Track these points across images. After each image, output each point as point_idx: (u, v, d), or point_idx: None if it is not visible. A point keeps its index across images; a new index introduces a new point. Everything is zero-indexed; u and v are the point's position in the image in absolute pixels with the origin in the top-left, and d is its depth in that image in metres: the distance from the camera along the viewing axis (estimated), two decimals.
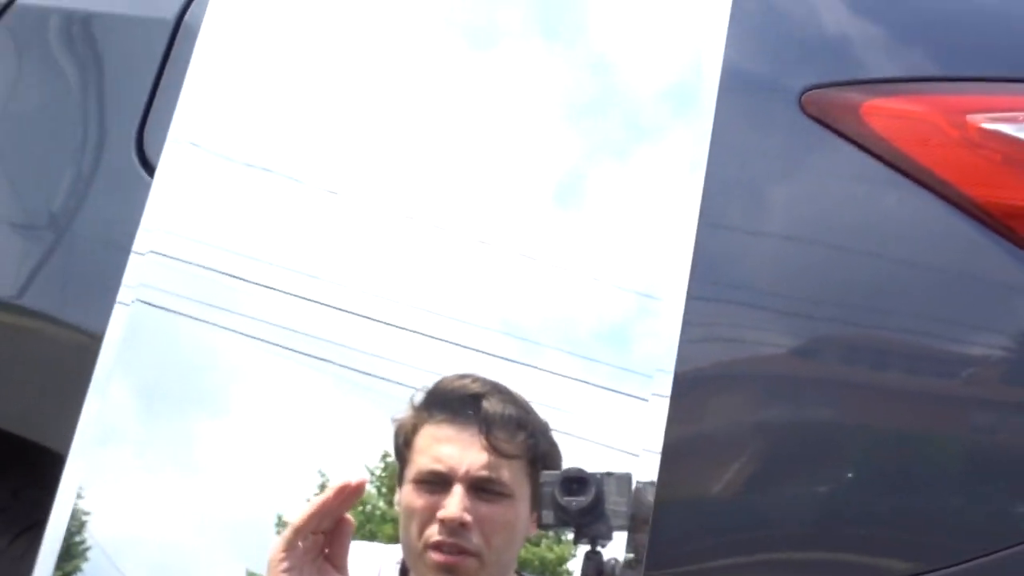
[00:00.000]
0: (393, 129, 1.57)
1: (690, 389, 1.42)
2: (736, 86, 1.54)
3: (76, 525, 1.45)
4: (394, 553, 1.45)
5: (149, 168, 1.66)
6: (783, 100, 1.54)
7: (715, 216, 1.49)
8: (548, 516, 1.33)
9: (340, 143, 1.56)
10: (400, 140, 1.56)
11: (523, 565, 1.41)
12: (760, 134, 1.56)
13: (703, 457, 1.44)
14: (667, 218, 1.48)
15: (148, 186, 1.57)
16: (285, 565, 1.35)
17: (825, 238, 1.52)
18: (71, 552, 1.44)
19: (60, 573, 1.44)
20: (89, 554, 1.44)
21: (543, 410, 1.41)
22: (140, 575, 1.45)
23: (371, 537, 1.45)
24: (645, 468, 1.36)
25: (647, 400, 1.39)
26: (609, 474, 1.32)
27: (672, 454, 1.38)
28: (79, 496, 1.45)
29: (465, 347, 1.44)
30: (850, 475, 1.45)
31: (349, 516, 1.37)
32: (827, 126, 1.53)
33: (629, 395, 1.41)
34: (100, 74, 1.85)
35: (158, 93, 1.75)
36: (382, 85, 1.58)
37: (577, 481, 1.32)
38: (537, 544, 1.41)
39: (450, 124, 1.57)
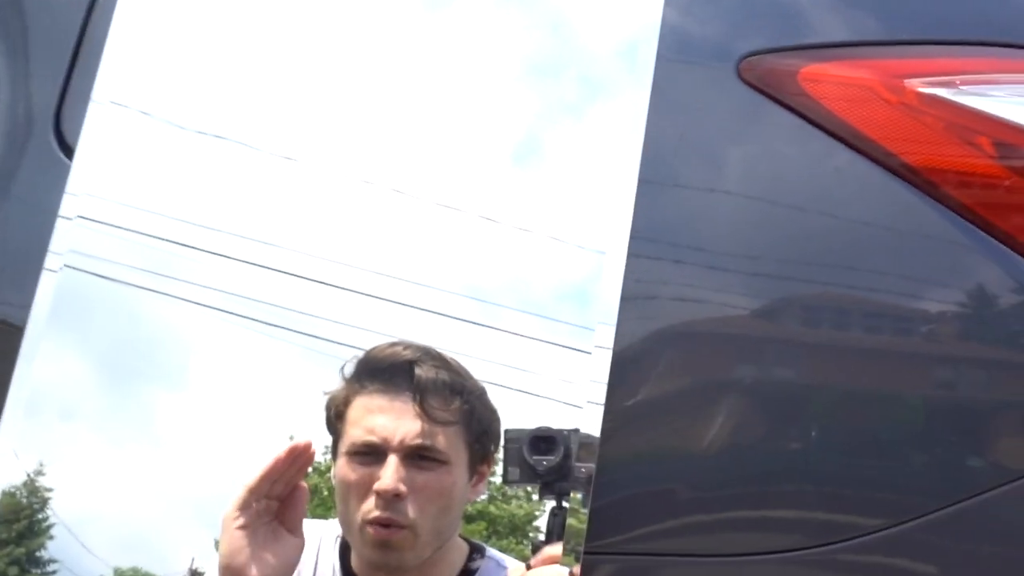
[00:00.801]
0: (336, 87, 1.54)
1: (631, 343, 1.41)
2: (674, 53, 1.54)
3: (39, 503, 1.42)
4: (334, 527, 1.42)
5: (67, 150, 1.61)
6: (721, 67, 1.53)
7: (655, 177, 1.48)
8: (514, 473, 1.33)
9: (278, 101, 1.53)
10: (342, 99, 1.53)
11: (493, 522, 1.40)
12: (699, 102, 1.56)
13: (644, 411, 1.42)
14: (609, 178, 1.46)
15: (67, 169, 1.52)
16: (239, 523, 1.32)
17: (764, 202, 1.52)
18: (34, 530, 1.42)
19: (23, 551, 1.41)
20: (53, 531, 1.41)
21: (488, 367, 1.39)
22: (105, 550, 1.42)
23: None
24: (589, 421, 1.34)
25: (590, 353, 1.36)
26: (576, 431, 1.32)
27: (614, 408, 1.37)
28: (40, 473, 1.41)
29: (411, 306, 1.42)
30: (789, 431, 1.44)
31: (303, 483, 1.35)
32: (765, 93, 1.52)
33: (573, 348, 1.38)
34: (14, 52, 1.80)
35: (75, 72, 1.69)
36: (322, 40, 1.56)
37: (545, 440, 1.32)
38: (508, 502, 1.40)
39: (397, 81, 1.54)
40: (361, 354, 1.37)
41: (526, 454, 1.31)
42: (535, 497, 1.36)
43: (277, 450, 1.34)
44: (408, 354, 1.36)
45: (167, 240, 1.48)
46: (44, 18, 1.77)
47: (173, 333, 1.47)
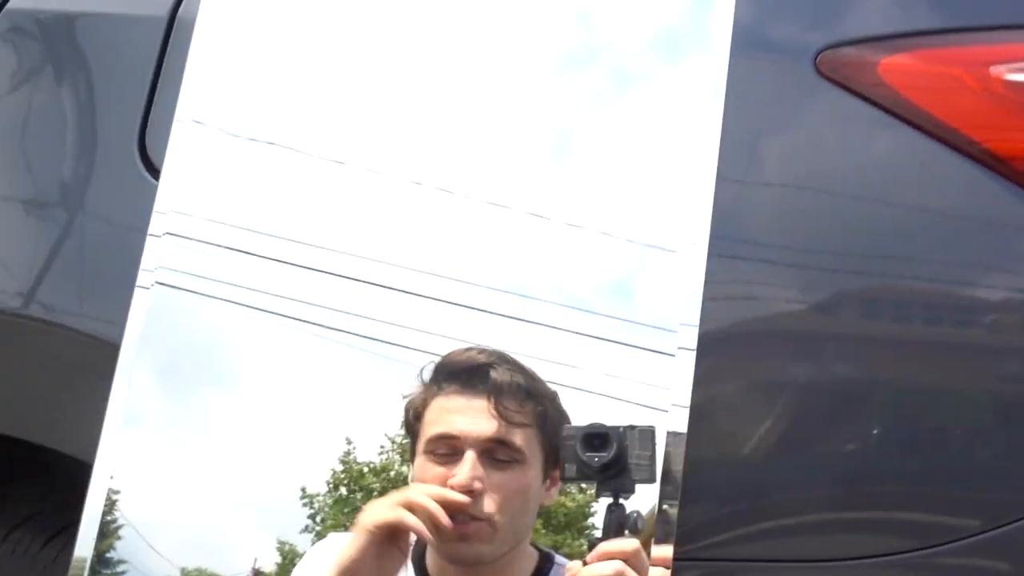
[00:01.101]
0: (393, 98, 1.53)
1: (715, 344, 1.39)
2: (749, 48, 1.50)
3: (108, 505, 1.44)
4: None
5: (154, 171, 1.63)
6: (798, 61, 1.50)
7: (733, 174, 1.45)
8: (570, 470, 1.32)
9: (339, 115, 1.54)
10: (402, 108, 1.53)
11: (545, 516, 1.40)
12: (776, 97, 1.52)
13: (729, 416, 1.41)
14: (687, 175, 1.44)
15: (153, 190, 1.54)
16: (377, 538, 1.35)
17: (847, 196, 1.48)
18: (104, 531, 1.44)
19: (94, 552, 1.43)
20: (122, 532, 1.44)
21: (568, 370, 1.40)
22: (172, 551, 1.45)
23: None
24: (674, 424, 1.33)
25: (674, 355, 1.36)
26: (632, 427, 1.32)
27: (700, 409, 1.35)
28: (109, 476, 1.44)
29: (487, 311, 1.43)
30: (879, 432, 1.40)
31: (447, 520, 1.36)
32: (844, 86, 1.49)
33: (655, 351, 1.38)
34: (97, 76, 1.82)
35: (157, 92, 1.72)
36: (377, 55, 1.55)
37: (599, 437, 1.32)
38: (565, 496, 1.40)
39: (454, 88, 1.54)
40: (438, 358, 1.41)
41: (579, 451, 1.31)
42: (591, 492, 1.36)
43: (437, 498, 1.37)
44: (483, 358, 1.40)
45: (231, 248, 1.49)
46: (124, 41, 1.80)
47: (237, 339, 1.49)
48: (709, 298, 1.39)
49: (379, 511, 1.37)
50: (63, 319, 1.69)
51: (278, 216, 1.51)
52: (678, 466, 1.32)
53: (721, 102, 1.45)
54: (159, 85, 1.71)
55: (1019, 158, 1.46)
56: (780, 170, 1.50)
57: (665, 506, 1.31)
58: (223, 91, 1.56)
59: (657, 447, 1.30)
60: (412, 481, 1.40)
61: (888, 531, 1.38)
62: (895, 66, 1.50)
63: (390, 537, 1.37)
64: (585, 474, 1.32)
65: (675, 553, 1.30)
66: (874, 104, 1.49)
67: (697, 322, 1.37)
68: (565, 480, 1.33)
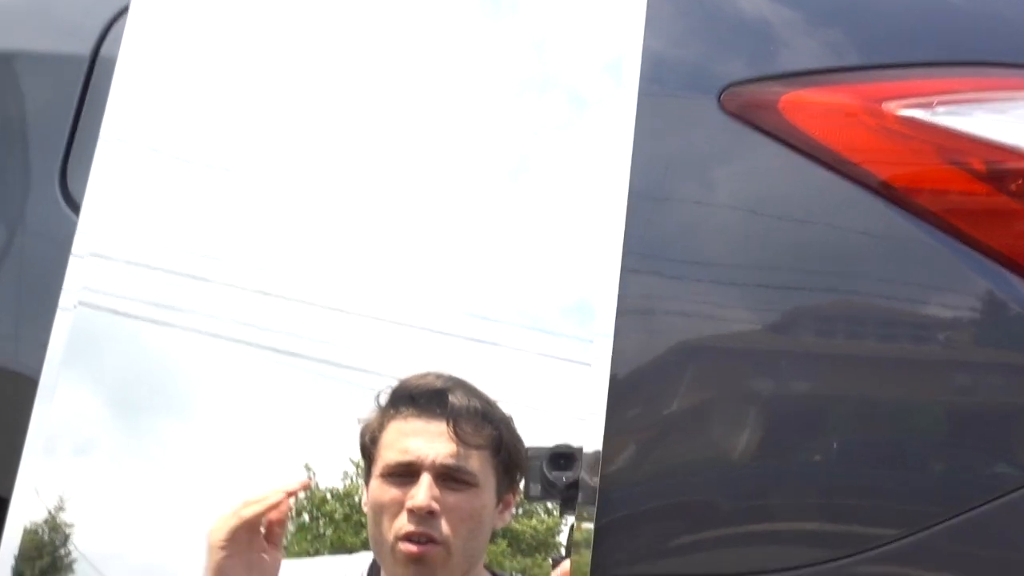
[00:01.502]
0: (330, 117, 1.56)
1: (629, 356, 1.42)
2: (656, 86, 1.56)
3: (60, 538, 1.43)
4: (360, 562, 1.44)
5: (74, 206, 1.63)
6: (703, 99, 1.56)
7: (645, 192, 1.50)
8: (535, 489, 1.35)
9: (281, 136, 1.56)
10: (336, 128, 1.55)
11: (514, 538, 1.41)
12: (682, 134, 1.58)
13: (644, 425, 1.42)
14: (599, 200, 1.49)
15: (74, 225, 1.54)
16: (228, 551, 1.35)
17: (751, 218, 1.53)
18: (57, 565, 1.43)
19: None
20: (76, 567, 1.42)
21: (489, 382, 1.42)
22: None
23: (358, 528, 1.43)
24: (590, 433, 1.35)
25: (590, 365, 1.39)
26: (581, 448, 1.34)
27: (615, 422, 1.38)
28: (60, 509, 1.43)
29: (413, 326, 1.44)
30: (798, 444, 1.43)
31: (288, 502, 1.38)
32: (748, 122, 1.55)
33: (573, 361, 1.40)
34: (18, 114, 1.83)
35: (79, 129, 1.73)
36: (318, 73, 1.58)
37: (564, 457, 1.34)
38: (529, 518, 1.41)
39: (388, 111, 1.56)
40: (395, 383, 1.42)
41: (546, 470, 1.33)
42: (556, 513, 1.38)
43: (272, 489, 1.37)
44: (440, 383, 1.41)
45: (178, 273, 1.50)
46: (45, 82, 1.81)
47: (184, 365, 1.48)
48: (622, 311, 1.42)
49: (221, 525, 1.36)
50: None
51: (213, 236, 1.52)
52: (594, 480, 1.34)
53: (631, 130, 1.50)
54: (80, 122, 1.72)
55: (910, 189, 1.53)
56: (689, 195, 1.55)
57: (583, 523, 1.32)
58: (150, 112, 1.57)
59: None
60: (365, 504, 1.41)
61: (804, 542, 1.40)
62: (795, 102, 1.57)
63: (248, 545, 1.35)
64: (550, 493, 1.34)
65: (593, 568, 1.32)
66: (776, 139, 1.55)
67: (611, 334, 1.40)
68: (530, 499, 1.35)
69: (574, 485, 1.31)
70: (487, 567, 1.42)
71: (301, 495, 1.42)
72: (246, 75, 1.60)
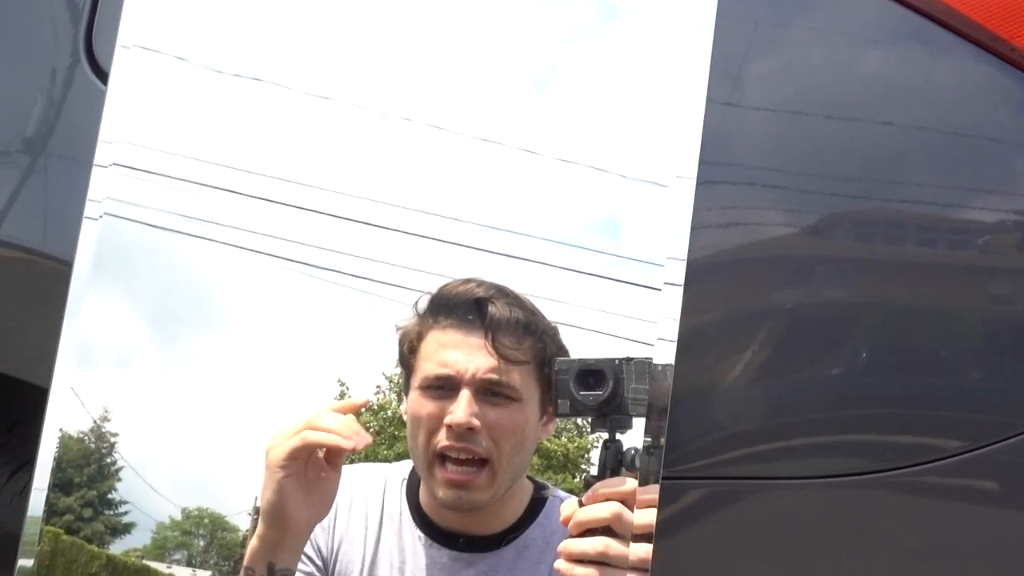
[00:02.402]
0: (370, 23, 1.47)
1: (703, 276, 1.35)
2: None
3: (106, 447, 1.42)
4: (399, 470, 1.40)
5: (102, 75, 1.55)
6: None
7: (722, 95, 1.38)
8: (564, 406, 1.26)
9: (318, 42, 1.46)
10: (378, 32, 1.46)
11: (547, 456, 1.37)
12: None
13: (719, 344, 1.37)
14: (673, 101, 1.37)
15: (103, 95, 1.46)
16: (289, 471, 1.31)
17: (842, 106, 1.40)
18: (104, 473, 1.43)
19: (95, 493, 1.43)
20: (121, 474, 1.42)
21: (554, 306, 1.35)
22: (172, 491, 1.42)
23: (392, 441, 1.40)
24: (661, 358, 1.29)
25: (660, 289, 1.32)
26: (628, 360, 1.26)
27: (687, 343, 1.31)
28: (105, 419, 1.42)
29: (468, 247, 1.37)
30: (867, 355, 1.37)
31: (367, 436, 1.33)
32: None
33: (641, 285, 1.34)
34: None
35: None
36: None
37: (593, 374, 1.26)
38: (558, 436, 1.37)
39: (438, 19, 1.46)
40: (434, 290, 1.36)
41: (573, 389, 1.25)
42: (585, 429, 1.34)
43: (337, 414, 1.33)
44: (481, 291, 1.34)
45: (211, 186, 1.43)
46: None
47: (222, 278, 1.44)
48: (695, 228, 1.34)
49: (282, 444, 1.32)
50: (23, 241, 1.61)
51: (239, 145, 1.45)
52: (665, 397, 1.28)
53: (713, 12, 1.37)
54: None
55: None
56: (774, 83, 1.43)
57: (650, 437, 1.28)
58: (170, 11, 1.47)
59: (652, 380, 1.25)
60: (405, 414, 1.36)
61: (874, 450, 1.36)
62: None
63: (306, 465, 1.32)
64: (579, 411, 1.26)
65: (667, 473, 1.28)
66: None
67: (684, 255, 1.33)
68: (559, 415, 1.28)
69: (605, 402, 1.24)
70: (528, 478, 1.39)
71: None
72: None
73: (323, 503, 1.34)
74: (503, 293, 1.34)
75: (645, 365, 1.25)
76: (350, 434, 1.31)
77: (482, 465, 1.33)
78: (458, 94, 1.43)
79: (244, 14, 1.49)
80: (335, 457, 1.34)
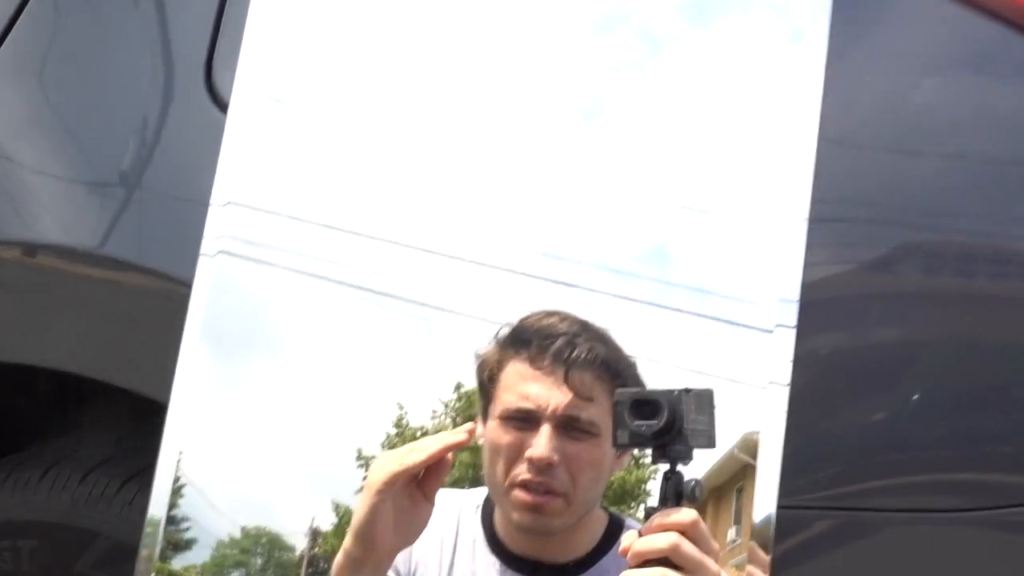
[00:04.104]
0: (471, 71, 1.43)
1: (816, 316, 1.30)
2: None
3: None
4: (473, 497, 1.38)
5: (221, 104, 1.54)
6: None
7: (835, 130, 1.31)
8: (622, 436, 1.21)
9: (414, 85, 1.44)
10: (480, 81, 1.42)
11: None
12: (885, 24, 1.38)
13: (832, 385, 1.33)
14: (785, 137, 1.31)
15: (221, 123, 1.45)
16: (384, 495, 1.29)
17: (962, 141, 1.34)
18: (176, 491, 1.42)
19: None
20: (185, 491, 1.41)
21: (664, 347, 1.32)
22: (232, 510, 1.42)
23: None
24: (773, 401, 1.26)
25: (771, 331, 1.28)
26: (687, 391, 1.20)
27: (801, 384, 1.26)
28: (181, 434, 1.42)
29: (573, 285, 1.35)
30: (987, 390, 1.32)
31: (449, 455, 1.31)
32: (970, 3, 1.34)
33: (752, 327, 1.29)
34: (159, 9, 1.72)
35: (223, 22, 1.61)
36: (462, 30, 1.44)
37: (648, 404, 1.20)
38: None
39: (531, 57, 1.41)
40: (516, 321, 1.34)
41: (627, 418, 1.20)
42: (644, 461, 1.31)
43: (436, 440, 1.30)
44: (564, 326, 1.33)
45: (293, 217, 1.42)
46: None
47: (294, 303, 1.43)
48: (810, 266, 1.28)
49: (383, 467, 1.29)
50: (139, 258, 1.60)
51: (348, 185, 1.42)
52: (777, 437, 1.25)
53: (825, 42, 1.31)
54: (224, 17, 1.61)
55: None
56: (891, 118, 1.37)
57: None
58: (287, 54, 1.45)
59: (716, 411, 1.19)
60: (482, 441, 1.33)
61: (996, 487, 1.31)
62: None
63: (402, 492, 1.30)
64: (637, 442, 1.21)
65: (788, 503, 1.26)
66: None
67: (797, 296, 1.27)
68: (617, 446, 1.23)
69: (662, 432, 1.19)
70: (601, 506, 1.34)
71: (392, 431, 1.37)
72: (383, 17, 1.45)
73: (411, 531, 1.32)
74: (585, 328, 1.32)
75: (706, 396, 1.20)
76: (444, 445, 1.29)
77: (557, 495, 1.32)
78: (564, 129, 1.39)
79: (356, 54, 1.46)
80: (430, 487, 1.31)
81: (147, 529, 1.40)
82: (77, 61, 1.70)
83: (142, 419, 1.58)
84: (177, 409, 1.39)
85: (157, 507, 1.39)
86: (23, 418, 1.84)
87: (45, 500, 1.71)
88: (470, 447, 1.35)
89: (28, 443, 1.82)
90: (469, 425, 1.31)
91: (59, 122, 1.72)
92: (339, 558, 1.30)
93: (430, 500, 1.31)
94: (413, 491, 1.31)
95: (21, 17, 1.72)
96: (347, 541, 1.29)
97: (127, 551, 1.44)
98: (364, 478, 1.31)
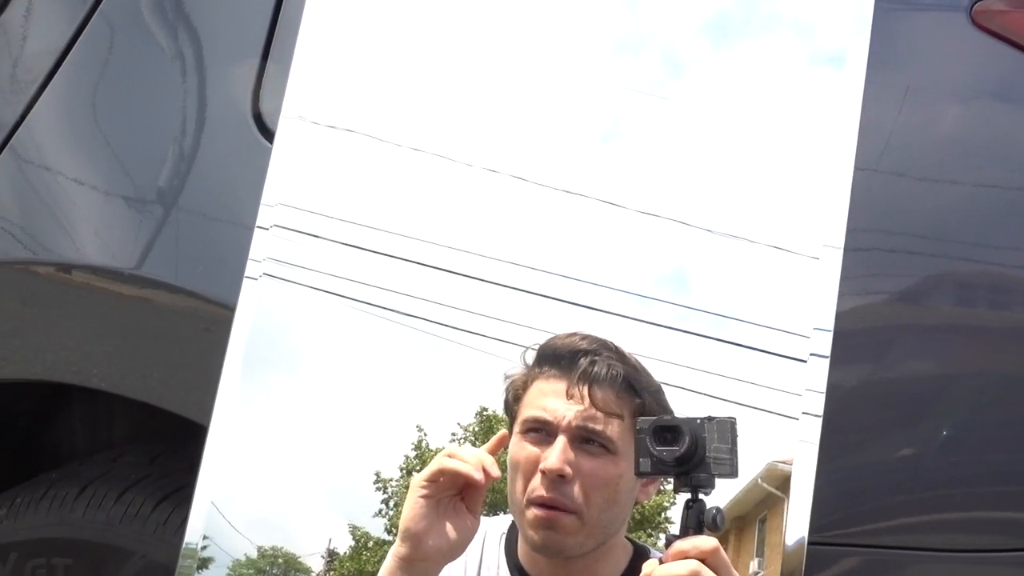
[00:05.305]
0: (498, 96, 1.42)
1: (850, 346, 1.27)
2: (894, 1, 1.32)
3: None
4: (498, 525, 1.37)
5: (268, 134, 1.53)
6: (952, 15, 1.33)
7: (872, 160, 1.28)
8: (645, 464, 1.19)
9: (454, 112, 1.43)
10: (517, 105, 1.41)
11: None
12: (925, 58, 1.34)
13: (866, 417, 1.29)
14: (820, 166, 1.28)
15: (268, 152, 1.45)
16: (426, 492, 1.29)
17: (998, 172, 1.31)
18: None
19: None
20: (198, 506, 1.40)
21: (699, 376, 1.30)
22: (249, 529, 1.41)
23: None
24: (806, 431, 1.23)
25: (805, 361, 1.25)
26: (710, 419, 1.18)
27: (833, 415, 1.24)
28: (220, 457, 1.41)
29: (607, 312, 1.35)
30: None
31: (496, 471, 1.30)
32: (1007, 40, 1.31)
33: (785, 356, 1.26)
34: (207, 39, 1.72)
35: (271, 54, 1.61)
36: (497, 49, 1.43)
37: (670, 430, 1.18)
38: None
39: (562, 86, 1.40)
40: (542, 341, 1.35)
41: (650, 445, 1.19)
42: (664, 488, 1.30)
43: (474, 455, 1.29)
44: (585, 344, 1.33)
45: (336, 241, 1.42)
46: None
47: (315, 326, 1.43)
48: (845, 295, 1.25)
49: (426, 469, 1.30)
50: (180, 282, 1.60)
51: (387, 209, 1.43)
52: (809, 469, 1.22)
53: (863, 73, 1.28)
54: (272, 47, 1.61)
55: None
56: (930, 148, 1.33)
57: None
58: (333, 81, 1.46)
59: (738, 440, 1.17)
60: (508, 460, 1.33)
61: (1004, 528, 1.28)
62: None
63: (445, 497, 1.30)
64: (660, 469, 1.19)
65: (815, 538, 1.24)
66: None
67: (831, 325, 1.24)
68: (639, 474, 1.21)
69: (683, 459, 1.17)
70: (627, 537, 1.32)
71: (411, 454, 1.38)
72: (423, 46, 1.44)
73: (457, 541, 1.30)
74: (606, 347, 1.32)
75: (728, 424, 1.18)
76: (477, 465, 1.27)
77: (570, 512, 1.30)
78: (600, 159, 1.38)
79: (398, 84, 1.47)
80: (472, 499, 1.30)
81: (185, 550, 1.38)
82: (127, 89, 1.69)
83: (178, 439, 1.57)
84: (217, 430, 1.38)
85: (194, 530, 1.39)
86: (59, 436, 1.84)
87: (81, 518, 1.69)
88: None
89: (65, 461, 1.81)
90: (503, 432, 1.32)
91: (107, 147, 1.70)
92: (387, 560, 1.29)
93: (475, 514, 1.30)
94: (456, 502, 1.30)
95: (76, 45, 1.70)
96: (395, 544, 1.29)
97: (161, 570, 1.43)
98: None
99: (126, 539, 1.68)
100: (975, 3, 1.30)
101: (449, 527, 1.29)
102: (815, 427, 1.24)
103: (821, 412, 1.23)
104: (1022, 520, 1.27)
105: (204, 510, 1.38)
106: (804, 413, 1.24)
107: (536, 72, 1.39)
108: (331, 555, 1.36)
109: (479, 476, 1.26)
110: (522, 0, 1.43)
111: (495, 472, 1.27)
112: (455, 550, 1.30)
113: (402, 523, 1.28)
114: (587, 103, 1.38)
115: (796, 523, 1.23)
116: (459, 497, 1.29)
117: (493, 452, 1.28)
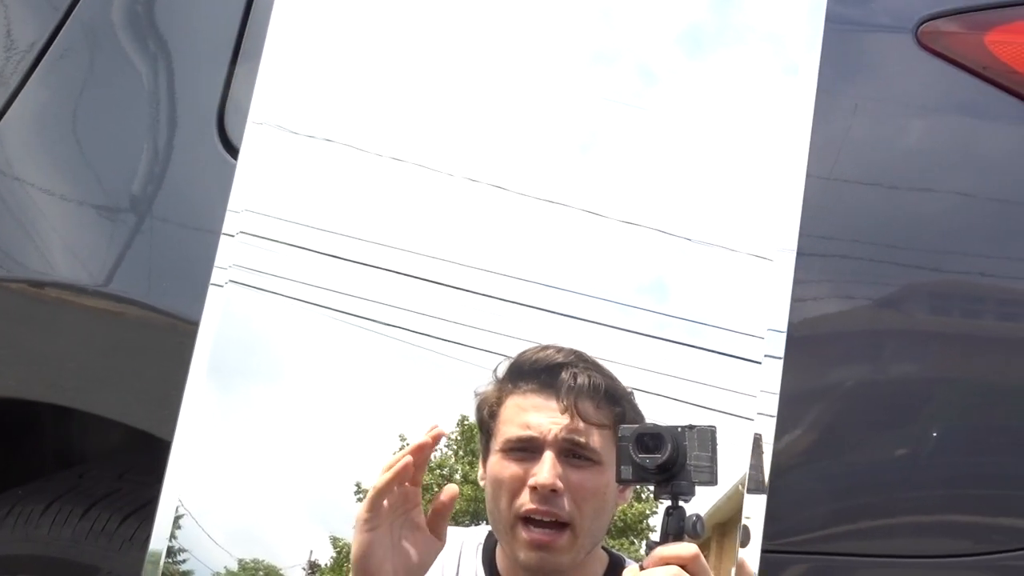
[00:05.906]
0: (469, 104, 1.43)
1: (804, 348, 1.30)
2: (844, 21, 1.37)
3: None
4: (475, 535, 1.36)
5: (232, 150, 1.53)
6: (898, 34, 1.37)
7: (824, 168, 1.33)
8: (627, 472, 1.20)
9: (422, 117, 1.44)
10: (483, 110, 1.43)
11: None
12: (872, 74, 1.39)
13: (820, 418, 1.33)
14: (772, 173, 1.31)
15: (232, 168, 1.45)
16: (371, 524, 1.29)
17: (944, 182, 1.36)
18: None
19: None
20: (182, 522, 1.40)
21: (654, 377, 1.31)
22: (229, 542, 1.41)
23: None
24: (761, 432, 1.25)
25: (760, 362, 1.27)
26: (691, 427, 1.20)
27: (788, 417, 1.26)
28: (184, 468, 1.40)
29: (562, 315, 1.34)
30: (973, 433, 1.32)
31: (454, 485, 1.32)
32: (948, 59, 1.35)
33: (740, 358, 1.28)
34: (174, 53, 1.72)
35: (236, 70, 1.62)
36: (468, 57, 1.44)
37: (652, 437, 1.20)
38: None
39: (530, 90, 1.42)
40: (514, 356, 1.34)
41: (632, 452, 1.20)
42: (644, 496, 1.30)
43: (399, 451, 1.30)
44: (561, 357, 1.32)
45: (303, 248, 1.42)
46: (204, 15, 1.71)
47: (293, 334, 1.42)
48: (796, 300, 1.28)
49: (363, 504, 1.29)
50: (140, 297, 1.60)
51: (357, 216, 1.43)
52: (763, 470, 1.24)
53: (814, 87, 1.31)
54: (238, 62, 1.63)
55: None
56: (878, 157, 1.37)
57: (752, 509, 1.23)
58: (300, 88, 1.46)
59: (718, 448, 1.19)
60: (483, 481, 1.32)
61: (981, 532, 1.30)
62: (1003, 37, 1.38)
63: (394, 525, 1.29)
64: (641, 476, 1.20)
65: (769, 546, 1.24)
66: (981, 77, 1.35)
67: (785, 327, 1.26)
68: (621, 482, 1.22)
69: (665, 467, 1.19)
70: (603, 547, 1.33)
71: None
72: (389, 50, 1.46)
73: (415, 567, 1.31)
74: (581, 359, 1.31)
75: (708, 433, 1.20)
76: (400, 458, 1.29)
77: (563, 528, 1.29)
78: (555, 161, 1.40)
79: (364, 91, 1.47)
80: (436, 523, 1.30)
81: (148, 564, 1.37)
82: (96, 104, 1.70)
83: (145, 454, 1.56)
84: (181, 443, 1.37)
85: (158, 541, 1.37)
86: (26, 452, 1.83)
87: (46, 534, 1.68)
88: (471, 482, 1.34)
89: (31, 478, 1.80)
90: (436, 430, 1.31)
91: (79, 161, 1.70)
92: None
93: (438, 536, 1.30)
94: (417, 526, 1.29)
95: (44, 57, 1.70)
96: None
97: None
98: None
99: (92, 555, 1.69)
100: (920, 24, 1.34)
101: (407, 547, 1.29)
102: (769, 430, 1.26)
103: (775, 414, 1.25)
104: (971, 524, 1.30)
105: (167, 524, 1.37)
106: (760, 414, 1.26)
107: (515, 81, 1.41)
108: (312, 567, 1.36)
109: (408, 458, 1.28)
110: (498, 10, 1.42)
111: (427, 439, 1.29)
112: (422, 567, 1.30)
113: (353, 562, 1.29)
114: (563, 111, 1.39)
115: (751, 531, 1.25)
116: (416, 512, 1.29)
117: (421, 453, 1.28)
